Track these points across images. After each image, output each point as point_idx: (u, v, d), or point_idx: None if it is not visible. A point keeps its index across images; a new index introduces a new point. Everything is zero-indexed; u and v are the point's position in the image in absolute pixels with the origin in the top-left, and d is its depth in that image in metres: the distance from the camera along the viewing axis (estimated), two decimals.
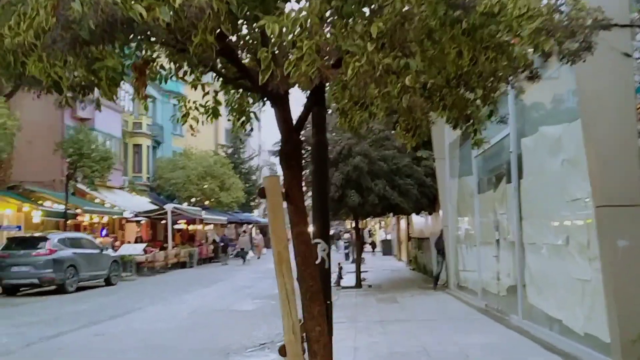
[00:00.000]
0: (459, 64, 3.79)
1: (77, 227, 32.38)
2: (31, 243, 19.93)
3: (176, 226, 39.19)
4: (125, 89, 39.93)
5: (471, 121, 4.90)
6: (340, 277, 20.06)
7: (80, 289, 20.54)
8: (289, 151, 4.42)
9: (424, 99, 4.30)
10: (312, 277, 4.36)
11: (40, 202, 27.22)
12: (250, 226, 58.61)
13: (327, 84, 4.68)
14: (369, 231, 50.50)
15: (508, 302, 11.16)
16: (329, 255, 4.87)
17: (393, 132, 7.35)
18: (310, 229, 4.83)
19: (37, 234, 21.51)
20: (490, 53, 3.74)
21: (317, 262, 4.62)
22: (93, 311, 15.37)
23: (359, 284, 19.00)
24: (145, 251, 28.35)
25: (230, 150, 53.50)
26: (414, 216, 25.69)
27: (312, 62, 3.18)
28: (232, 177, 42.17)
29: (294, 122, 4.41)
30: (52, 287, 19.85)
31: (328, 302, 4.67)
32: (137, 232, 36.11)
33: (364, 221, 52.90)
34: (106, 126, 34.61)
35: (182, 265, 31.41)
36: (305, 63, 3.19)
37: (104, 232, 33.38)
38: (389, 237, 42.23)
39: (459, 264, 16.17)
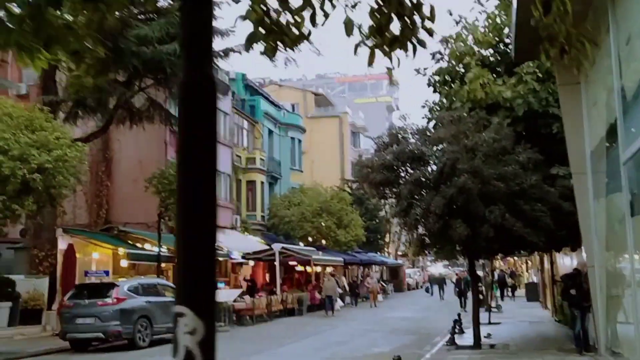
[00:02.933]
0: None
1: None
2: (98, 291, 17.58)
3: (298, 268, 36.56)
4: (236, 122, 38.37)
5: None
6: (454, 331, 15.75)
7: (156, 342, 17.83)
8: None
9: None
10: None
11: (139, 244, 25.46)
12: (376, 268, 54.74)
13: None
14: (513, 272, 44.76)
15: None
16: None
17: None
18: None
19: (106, 281, 19.29)
20: None
21: None
22: None
23: (477, 343, 14.59)
24: (242, 297, 25.56)
25: (355, 185, 50.32)
26: (558, 254, 20.84)
27: None
28: (350, 214, 38.78)
29: None
30: (124, 342, 17.32)
31: None
32: (245, 276, 33.54)
33: (505, 260, 47.69)
34: None
35: (290, 312, 28.20)
36: None
37: None
38: (534, 279, 36.50)
39: (612, 318, 11.47)
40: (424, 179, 13.31)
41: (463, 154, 12.79)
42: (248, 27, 3.47)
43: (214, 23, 24.49)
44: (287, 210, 37.36)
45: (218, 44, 25.45)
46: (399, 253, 66.21)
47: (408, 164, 13.65)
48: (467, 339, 16.11)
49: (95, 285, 18.67)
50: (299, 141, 46.70)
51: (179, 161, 2.19)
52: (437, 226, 12.44)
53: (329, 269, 38.73)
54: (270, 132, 43.07)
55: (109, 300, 16.92)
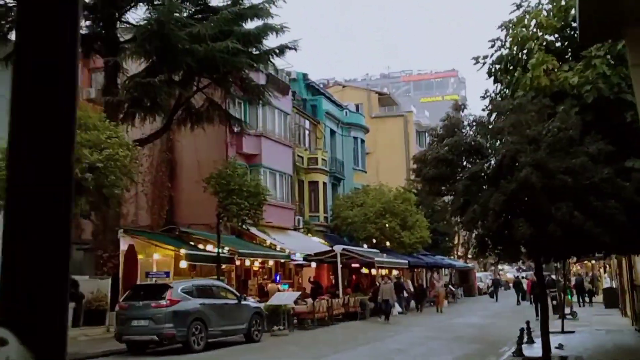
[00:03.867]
0: None
1: (247, 273, 30.31)
2: (152, 293, 17.38)
3: (363, 271, 35.76)
4: (297, 122, 37.99)
5: None
6: (522, 341, 14.61)
7: (212, 346, 17.51)
8: None
9: None
10: None
11: (200, 245, 25.37)
12: (445, 271, 53.24)
13: None
14: (594, 276, 42.26)
15: None
16: None
17: None
18: None
19: (160, 282, 19.14)
20: None
21: None
22: None
23: (546, 355, 13.40)
24: (304, 300, 25.03)
25: (420, 185, 49.09)
26: (638, 256, 19.29)
27: None
28: (415, 214, 37.70)
29: None
30: (178, 345, 17.05)
31: None
32: (310, 277, 33.03)
33: (582, 263, 45.11)
34: (275, 162, 32.43)
35: (353, 316, 27.45)
36: None
37: (278, 278, 30.85)
38: (611, 283, 34.30)
39: None
40: (481, 174, 12.34)
41: (525, 145, 11.77)
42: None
43: (270, 20, 24.35)
44: (350, 211, 36.67)
45: (272, 42, 25.12)
46: (469, 256, 64.35)
47: (464, 158, 12.73)
48: (536, 349, 14.99)
49: (150, 287, 18.53)
50: (362, 141, 45.93)
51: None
52: (497, 225, 11.48)
53: (394, 272, 37.79)
54: (333, 132, 42.51)
55: (162, 302, 16.68)
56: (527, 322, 16.68)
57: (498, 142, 13.12)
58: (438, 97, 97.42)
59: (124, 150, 16.45)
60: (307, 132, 39.60)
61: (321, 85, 48.16)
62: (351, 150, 44.23)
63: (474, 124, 13.78)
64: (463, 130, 13.39)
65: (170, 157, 30.75)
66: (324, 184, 38.30)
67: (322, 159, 38.40)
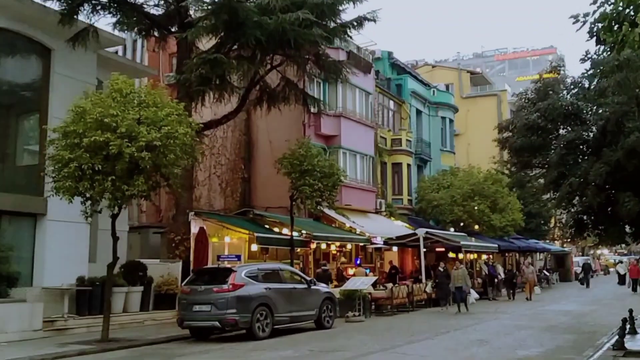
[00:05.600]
0: None
1: (325, 257, 29.19)
2: (215, 277, 16.43)
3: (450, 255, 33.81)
4: (381, 102, 36.33)
5: None
6: (623, 333, 12.51)
7: (278, 332, 16.43)
8: None
9: None
10: None
11: (276, 229, 24.43)
12: (540, 256, 50.24)
13: None
14: None
15: None
16: None
17: None
18: None
19: (223, 266, 18.19)
20: None
21: None
22: None
23: None
24: (377, 285, 23.63)
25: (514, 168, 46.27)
26: None
27: None
28: (507, 197, 35.27)
29: None
30: (242, 331, 16.06)
31: None
32: (390, 261, 31.49)
33: None
34: (355, 144, 31.07)
35: (435, 302, 25.76)
36: None
37: (358, 261, 29.58)
38: None
39: None
40: (580, 142, 10.44)
41: (633, 107, 9.81)
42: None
43: None
44: (436, 193, 34.76)
45: (351, 14, 23.58)
46: (567, 240, 60.69)
47: (559, 124, 10.85)
48: None
49: (213, 270, 17.59)
50: (451, 121, 43.66)
51: None
52: (598, 201, 9.62)
53: (484, 257, 35.64)
54: (419, 112, 40.57)
55: (225, 286, 15.69)
56: (630, 311, 14.59)
57: (599, 109, 11.13)
58: (535, 76, 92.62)
59: (183, 128, 15.47)
60: (391, 112, 37.95)
61: (409, 66, 46.13)
62: (439, 130, 42.14)
63: (572, 85, 11.82)
64: (558, 93, 11.46)
65: (246, 139, 29.99)
66: (408, 165, 36.57)
67: (407, 140, 36.67)
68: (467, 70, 64.64)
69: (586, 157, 10.32)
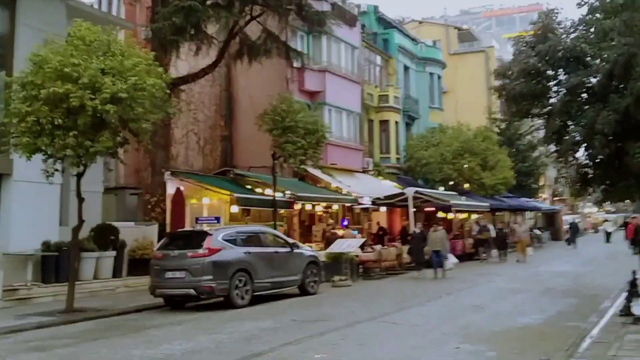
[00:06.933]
0: None
1: (311, 218, 28.23)
2: (190, 241, 15.26)
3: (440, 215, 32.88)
4: (367, 57, 34.94)
5: None
6: (630, 297, 11.64)
7: (259, 299, 15.45)
8: None
9: None
10: None
11: (259, 189, 23.32)
12: (529, 215, 49.65)
13: None
14: None
15: None
16: None
17: None
18: None
19: (198, 229, 17.11)
20: None
21: None
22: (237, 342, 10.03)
23: None
24: (372, 247, 22.68)
25: (504, 125, 45.36)
26: None
27: None
28: (498, 154, 34.32)
29: None
30: (220, 299, 15.05)
31: None
32: (378, 222, 30.59)
33: None
34: (341, 100, 29.79)
35: (427, 264, 24.87)
36: None
37: (345, 223, 28.60)
38: None
39: None
40: (584, 87, 9.34)
41: None
42: None
43: None
44: (425, 151, 33.72)
45: None
46: (555, 198, 60.19)
47: (561, 69, 9.74)
48: None
49: (187, 234, 16.45)
50: (439, 77, 42.35)
51: None
52: (607, 152, 8.59)
53: (473, 216, 34.81)
54: (406, 68, 39.22)
55: (200, 251, 14.57)
56: (634, 272, 13.72)
57: (604, 52, 10.00)
58: (522, 32, 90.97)
59: (153, 79, 14.18)
60: (378, 68, 36.58)
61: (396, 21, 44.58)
62: (427, 87, 40.86)
63: (571, 28, 10.65)
64: (559, 35, 10.30)
65: (227, 95, 28.63)
66: (396, 123, 35.38)
67: (394, 97, 35.41)
68: (455, 26, 63.14)
69: (591, 105, 9.21)
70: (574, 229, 41.96)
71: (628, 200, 14.65)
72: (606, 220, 59.48)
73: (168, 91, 15.26)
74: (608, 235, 46.09)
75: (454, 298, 16.15)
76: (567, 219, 53.61)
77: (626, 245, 31.96)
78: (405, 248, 24.25)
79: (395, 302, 15.31)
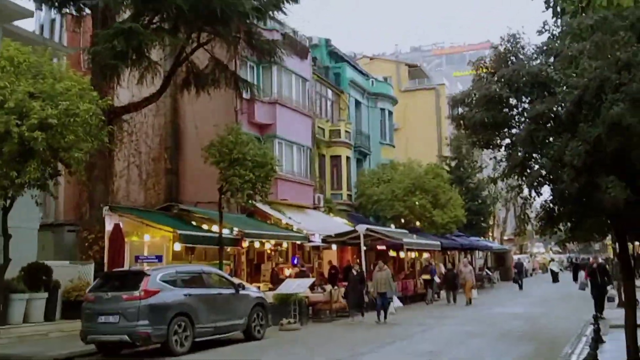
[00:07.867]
0: None
1: (260, 256, 27.07)
2: (125, 282, 14.04)
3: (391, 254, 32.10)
4: (318, 90, 34.41)
5: None
6: (596, 344, 10.94)
7: (200, 346, 14.22)
8: None
9: None
10: None
11: (205, 226, 22.12)
12: (480, 254, 49.48)
13: None
14: None
15: None
16: None
17: None
18: None
19: (135, 269, 15.91)
20: None
21: None
22: None
23: None
24: (322, 287, 21.66)
25: (454, 163, 45.40)
26: None
27: None
28: (449, 192, 33.98)
29: None
30: (157, 345, 13.77)
31: None
32: (330, 261, 29.65)
33: None
34: (292, 133, 28.95)
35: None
36: None
37: (296, 261, 27.51)
38: None
39: None
40: (550, 115, 8.74)
41: (614, 74, 8.14)
42: None
43: None
44: (376, 187, 33.09)
45: None
46: (505, 238, 60.46)
47: (525, 95, 9.13)
48: (610, 352, 11.45)
49: (123, 274, 15.20)
50: (390, 113, 42.11)
51: None
52: (577, 186, 7.92)
53: (425, 255, 34.22)
54: (358, 103, 38.83)
55: (135, 293, 13.35)
56: (595, 317, 13.15)
57: (571, 78, 9.36)
58: (472, 71, 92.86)
59: (86, 104, 13.11)
60: (329, 102, 36.04)
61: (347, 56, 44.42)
62: (378, 122, 40.52)
63: (534, 54, 10.08)
64: (521, 59, 9.70)
65: (173, 126, 27.47)
66: (348, 158, 34.73)
67: (346, 131, 34.83)
68: (405, 63, 63.76)
69: (559, 135, 8.59)
70: (520, 269, 41.50)
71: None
72: (552, 260, 60.05)
73: (103, 118, 14.17)
74: (555, 275, 46.26)
75: (408, 343, 15.22)
76: (516, 258, 53.73)
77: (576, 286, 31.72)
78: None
79: (347, 348, 14.27)
